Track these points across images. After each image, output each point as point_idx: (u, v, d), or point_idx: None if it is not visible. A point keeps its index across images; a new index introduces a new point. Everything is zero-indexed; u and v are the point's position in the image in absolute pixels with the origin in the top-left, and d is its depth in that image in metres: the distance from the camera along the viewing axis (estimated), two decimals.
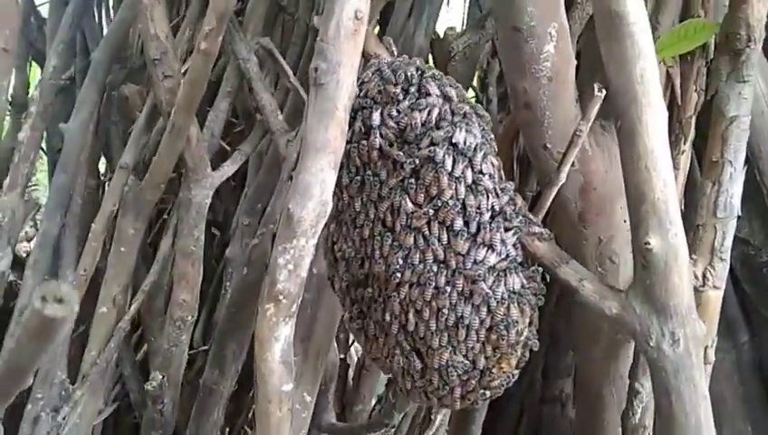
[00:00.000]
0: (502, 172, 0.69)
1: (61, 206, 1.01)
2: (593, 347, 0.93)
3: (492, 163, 0.67)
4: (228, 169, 0.95)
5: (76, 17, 1.08)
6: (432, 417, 1.02)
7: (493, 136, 0.69)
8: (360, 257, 0.74)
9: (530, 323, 0.69)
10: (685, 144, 0.94)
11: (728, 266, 0.82)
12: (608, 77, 0.63)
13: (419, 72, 0.68)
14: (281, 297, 0.67)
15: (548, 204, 0.77)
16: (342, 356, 1.31)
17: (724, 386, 1.21)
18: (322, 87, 0.62)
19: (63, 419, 0.93)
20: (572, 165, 0.78)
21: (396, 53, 0.75)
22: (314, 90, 0.63)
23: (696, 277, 0.80)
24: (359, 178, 0.71)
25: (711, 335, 0.82)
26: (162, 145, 0.89)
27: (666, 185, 0.57)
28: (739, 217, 1.15)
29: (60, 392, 0.94)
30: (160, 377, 0.90)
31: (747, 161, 1.09)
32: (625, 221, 0.90)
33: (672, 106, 0.97)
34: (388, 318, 0.72)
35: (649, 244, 0.57)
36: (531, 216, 0.69)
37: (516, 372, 0.70)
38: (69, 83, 1.10)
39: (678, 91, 0.96)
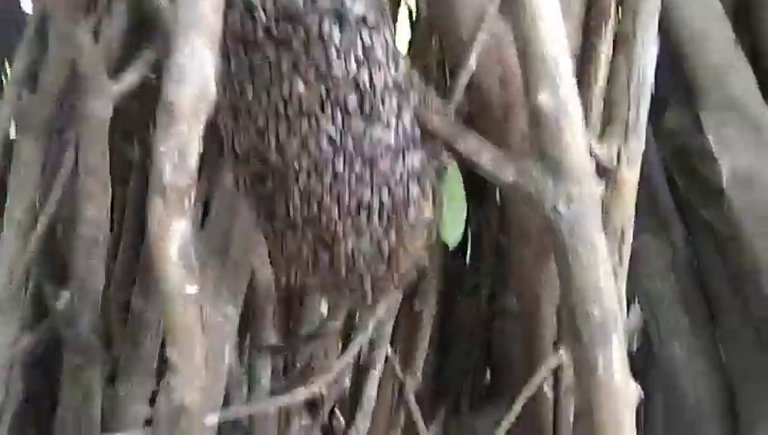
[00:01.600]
0: (396, 45, 0.65)
1: None
2: (525, 249, 0.93)
3: (385, 34, 0.64)
4: (130, 77, 0.89)
5: None
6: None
7: (387, 5, 0.65)
8: (258, 151, 0.70)
9: (433, 202, 0.67)
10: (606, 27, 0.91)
11: (643, 145, 0.81)
12: None
13: None
14: (169, 191, 0.63)
15: (461, 90, 0.74)
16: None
17: (660, 285, 1.23)
18: None
19: None
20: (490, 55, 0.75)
21: None
22: None
23: (610, 157, 0.79)
24: (247, 62, 0.66)
25: (627, 215, 0.82)
26: (50, 53, 0.82)
27: (554, 40, 0.54)
28: (668, 105, 1.14)
29: None
30: (68, 295, 0.86)
31: (676, 53, 1.07)
32: None
33: None
34: (291, 211, 0.70)
35: (537, 99, 0.55)
36: (427, 90, 0.66)
37: (423, 253, 0.69)
38: None
39: None
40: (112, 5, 0.90)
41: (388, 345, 1.36)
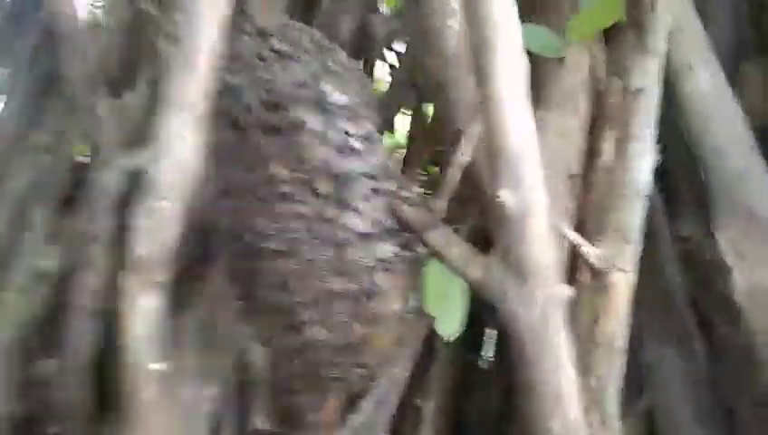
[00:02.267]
0: (376, 134, 0.66)
1: None
2: None
3: (363, 124, 0.65)
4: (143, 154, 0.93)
5: None
6: None
7: (372, 95, 0.67)
8: (236, 230, 0.71)
9: (403, 298, 0.65)
10: (608, 130, 0.91)
11: (638, 249, 0.78)
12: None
13: (293, 31, 0.67)
14: (141, 265, 0.64)
15: (453, 184, 0.74)
16: None
17: (677, 396, 1.15)
18: (180, 42, 0.61)
19: None
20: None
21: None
22: (174, 45, 0.61)
23: (601, 260, 0.76)
24: (234, 145, 0.68)
25: (620, 323, 0.78)
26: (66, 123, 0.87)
27: (522, 137, 0.54)
28: (682, 214, 1.11)
29: None
30: (50, 361, 0.86)
31: (692, 158, 1.05)
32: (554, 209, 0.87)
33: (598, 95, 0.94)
34: (265, 293, 0.69)
35: (501, 198, 0.53)
36: (404, 180, 0.66)
37: (388, 351, 0.67)
38: None
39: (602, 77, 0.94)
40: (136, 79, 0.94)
41: None
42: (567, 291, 0.56)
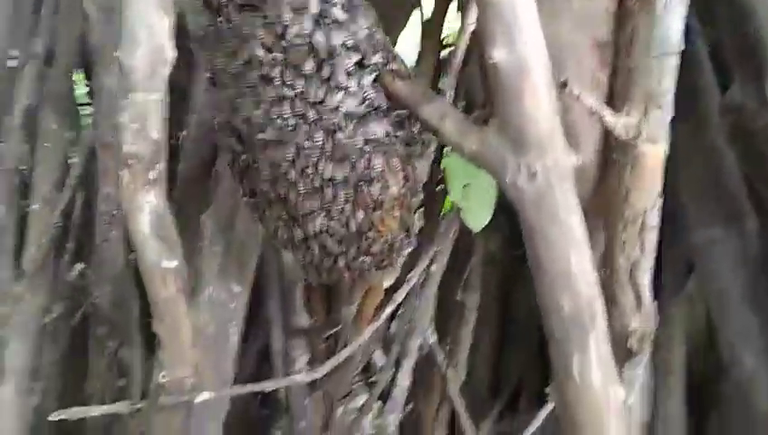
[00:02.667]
0: (358, 3, 0.59)
1: None
2: None
3: None
4: None
5: None
6: None
7: None
8: (231, 124, 0.67)
9: (404, 178, 0.61)
10: None
11: (669, 117, 0.70)
12: None
13: None
14: (131, 162, 0.62)
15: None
16: None
17: (727, 279, 1.09)
18: None
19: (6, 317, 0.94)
20: None
21: None
22: None
23: (628, 129, 0.69)
24: (212, 29, 0.64)
25: (651, 197, 0.71)
26: (60, 26, 0.84)
27: None
28: (730, 83, 1.00)
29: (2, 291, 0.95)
30: (80, 266, 0.88)
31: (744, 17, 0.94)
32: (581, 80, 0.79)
33: None
34: (264, 187, 0.66)
35: (492, 57, 0.47)
36: (392, 50, 0.60)
37: (400, 234, 0.63)
38: None
39: None
40: None
41: (432, 337, 1.30)
42: (573, 159, 0.50)
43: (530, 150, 0.48)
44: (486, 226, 0.95)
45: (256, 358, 1.40)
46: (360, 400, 1.39)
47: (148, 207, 0.65)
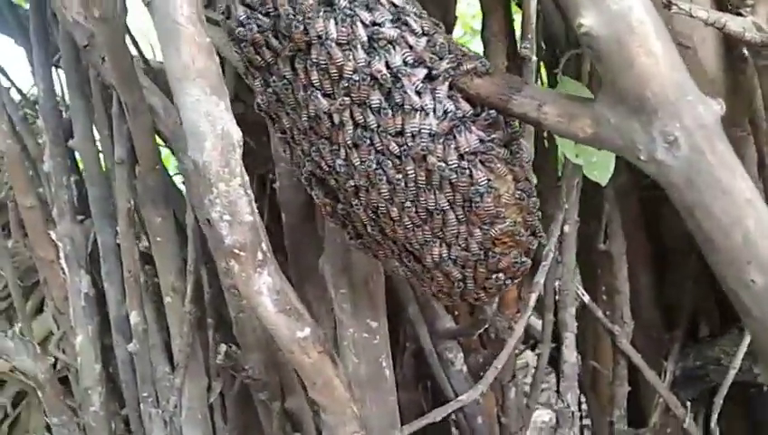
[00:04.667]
0: (410, 8, 0.52)
1: (104, 215, 1.04)
2: None
3: (389, 2, 0.52)
4: None
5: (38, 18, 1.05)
6: None
7: None
8: (317, 176, 0.63)
9: (515, 180, 0.54)
10: None
11: None
12: None
13: None
14: (236, 251, 0.60)
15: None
16: None
17: None
18: (153, 6, 0.52)
19: (175, 407, 0.97)
20: None
21: None
22: (150, 13, 0.52)
23: (759, 28, 0.57)
24: (270, 90, 0.59)
25: None
26: (131, 127, 0.85)
27: None
28: None
29: (164, 385, 0.99)
30: (224, 348, 0.89)
31: None
32: None
33: None
34: (369, 229, 0.62)
35: (583, 26, 0.39)
36: (461, 48, 0.52)
37: (527, 238, 0.56)
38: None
39: None
40: None
41: (584, 296, 1.22)
42: (717, 108, 0.40)
43: (659, 116, 0.39)
44: None
45: (413, 362, 1.39)
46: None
47: (265, 289, 0.63)
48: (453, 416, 1.20)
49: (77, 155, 1.10)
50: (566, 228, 1.10)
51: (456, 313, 1.21)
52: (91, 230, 1.08)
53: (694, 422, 1.12)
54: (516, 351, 1.48)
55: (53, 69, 1.08)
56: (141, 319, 0.98)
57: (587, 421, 1.46)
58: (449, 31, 1.19)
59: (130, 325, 1.02)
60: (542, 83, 1.11)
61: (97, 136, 1.05)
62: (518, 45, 0.74)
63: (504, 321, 1.17)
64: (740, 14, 0.59)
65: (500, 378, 1.22)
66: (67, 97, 1.06)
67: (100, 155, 1.06)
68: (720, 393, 1.02)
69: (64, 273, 1.07)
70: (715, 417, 1.01)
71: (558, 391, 1.19)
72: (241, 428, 1.06)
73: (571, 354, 1.14)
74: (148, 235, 0.96)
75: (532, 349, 1.55)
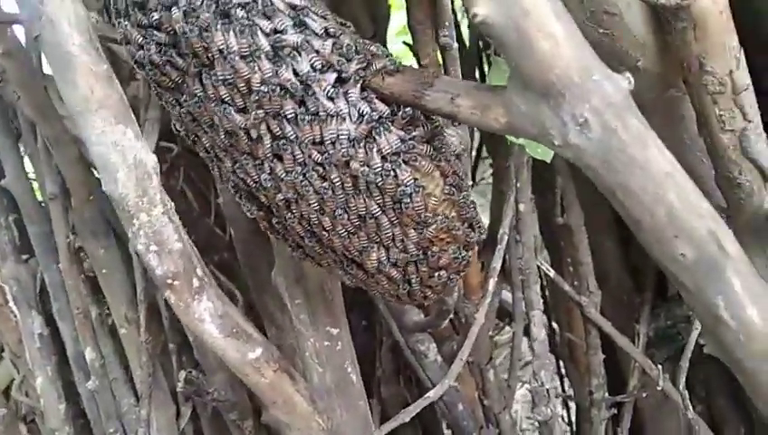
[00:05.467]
0: (311, 11, 0.50)
1: (48, 252, 1.00)
2: None
3: (288, 5, 0.49)
4: None
5: None
6: None
7: None
8: (249, 193, 0.61)
9: (442, 175, 0.52)
10: None
11: None
12: None
13: None
14: (170, 281, 0.58)
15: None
16: None
17: None
18: (41, 39, 0.49)
19: None
20: None
21: None
22: (41, 46, 0.50)
23: None
24: (183, 109, 0.57)
25: (731, 54, 0.59)
26: (57, 161, 0.82)
27: None
28: None
29: (131, 418, 0.97)
30: (183, 374, 0.87)
31: None
32: None
33: None
34: (306, 241, 0.60)
35: (478, 14, 0.37)
36: (370, 47, 0.50)
37: (464, 231, 0.55)
38: None
39: None
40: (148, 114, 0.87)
41: (549, 271, 1.22)
42: (626, 82, 0.39)
43: (567, 98, 0.38)
44: None
45: (392, 356, 1.38)
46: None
47: (207, 315, 0.61)
48: (435, 405, 1.21)
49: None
50: (521, 207, 1.10)
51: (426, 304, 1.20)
52: (36, 269, 1.05)
53: (670, 382, 1.13)
54: (496, 329, 1.48)
55: None
56: (97, 354, 0.95)
57: (571, 392, 1.47)
58: (385, 23, 1.17)
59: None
60: (489, 65, 1.10)
61: (30, 170, 1.01)
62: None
63: (471, 307, 1.16)
64: None
65: (477, 361, 1.23)
66: None
67: (37, 192, 1.02)
68: (685, 355, 1.03)
69: (15, 316, 1.04)
70: (682, 379, 1.02)
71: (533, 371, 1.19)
72: None
73: (539, 332, 1.14)
74: (93, 268, 0.93)
75: (510, 324, 1.56)
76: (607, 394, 1.27)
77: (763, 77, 0.70)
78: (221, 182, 0.66)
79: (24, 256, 1.06)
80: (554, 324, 1.46)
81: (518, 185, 1.08)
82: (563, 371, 1.46)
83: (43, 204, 1.01)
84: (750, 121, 0.60)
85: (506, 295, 1.35)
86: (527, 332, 1.19)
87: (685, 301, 0.44)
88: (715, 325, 0.43)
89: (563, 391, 1.52)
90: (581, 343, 1.31)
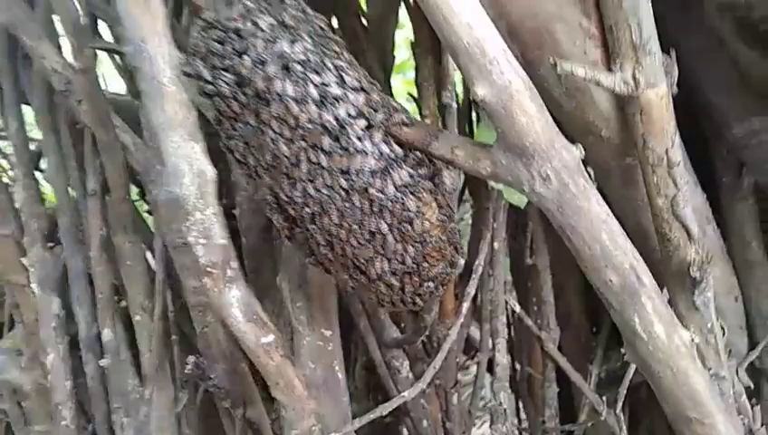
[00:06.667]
0: (350, 70, 0.66)
1: (75, 242, 1.13)
2: None
3: (333, 66, 0.65)
4: None
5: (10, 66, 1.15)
6: None
7: (328, 33, 0.66)
8: (280, 205, 0.75)
9: (438, 206, 0.67)
10: None
11: (659, 58, 0.73)
12: None
13: (237, 14, 0.67)
14: (209, 269, 0.71)
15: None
16: None
17: None
18: (140, 70, 0.63)
19: (145, 416, 1.06)
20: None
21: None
22: (135, 75, 0.64)
23: (626, 83, 0.73)
24: (238, 134, 0.71)
25: (668, 136, 0.75)
26: (105, 163, 0.95)
27: (471, 27, 0.52)
28: None
29: (134, 397, 1.08)
30: (192, 359, 0.99)
31: None
32: (575, 44, 0.84)
33: None
34: (322, 249, 0.74)
35: (477, 95, 0.53)
36: (392, 103, 0.66)
37: (450, 252, 0.70)
38: None
39: None
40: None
41: (515, 306, 1.36)
42: (577, 153, 0.55)
43: (536, 159, 0.54)
44: None
45: (365, 374, 1.50)
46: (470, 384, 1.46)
47: (235, 301, 0.74)
48: (402, 422, 1.33)
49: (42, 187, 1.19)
50: (495, 245, 1.25)
51: (402, 324, 1.34)
52: (60, 257, 1.17)
53: (615, 417, 1.27)
54: (461, 363, 1.61)
55: None
56: (113, 336, 1.07)
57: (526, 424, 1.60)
58: (391, 70, 1.34)
59: (101, 343, 1.10)
60: (476, 119, 1.27)
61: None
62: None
63: (443, 330, 1.31)
64: (611, 71, 0.74)
65: (443, 385, 1.36)
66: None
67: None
68: (624, 383, 1.18)
69: (35, 296, 1.15)
70: (619, 405, 1.16)
71: (493, 392, 1.32)
72: (204, 434, 1.15)
73: (502, 358, 1.28)
74: (118, 259, 1.06)
75: (472, 359, 1.69)
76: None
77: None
78: (254, 195, 0.80)
79: (50, 244, 1.18)
80: (516, 365, 1.60)
81: (494, 226, 1.23)
82: (520, 404, 1.58)
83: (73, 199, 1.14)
84: (679, 190, 0.76)
85: (474, 332, 1.49)
86: (490, 366, 1.33)
87: (612, 317, 0.59)
88: (632, 337, 0.58)
89: (519, 423, 1.65)
90: (539, 377, 1.45)
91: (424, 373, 1.28)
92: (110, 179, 0.98)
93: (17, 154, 1.13)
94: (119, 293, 1.09)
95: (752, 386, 1.10)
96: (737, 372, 1.08)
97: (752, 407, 1.00)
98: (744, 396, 0.98)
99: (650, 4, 0.72)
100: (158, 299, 1.04)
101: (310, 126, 0.64)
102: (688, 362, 0.57)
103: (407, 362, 1.33)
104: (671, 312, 0.58)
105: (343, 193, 0.67)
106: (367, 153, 0.64)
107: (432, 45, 0.97)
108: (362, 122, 0.64)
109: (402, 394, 1.01)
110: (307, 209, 0.70)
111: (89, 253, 1.10)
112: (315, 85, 0.64)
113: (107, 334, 1.07)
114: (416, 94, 1.03)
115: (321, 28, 0.67)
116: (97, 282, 1.07)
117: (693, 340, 0.59)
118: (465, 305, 1.11)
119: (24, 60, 1.10)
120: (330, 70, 0.64)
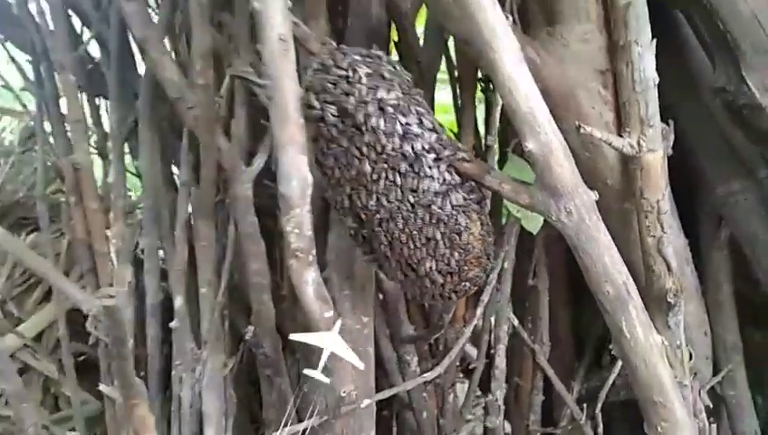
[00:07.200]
0: (427, 116, 0.87)
1: (153, 222, 1.33)
2: None
3: (416, 111, 0.86)
4: (259, 161, 1.20)
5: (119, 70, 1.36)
6: None
7: (412, 87, 0.88)
8: (352, 211, 0.96)
9: (481, 224, 0.88)
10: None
11: (659, 130, 0.95)
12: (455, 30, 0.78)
13: (346, 63, 0.88)
14: (297, 253, 0.92)
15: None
16: None
17: (754, 223, 1.30)
18: (273, 100, 0.84)
19: (199, 375, 1.26)
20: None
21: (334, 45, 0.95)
22: (269, 103, 0.85)
23: (632, 146, 0.95)
24: (331, 153, 0.93)
25: (660, 190, 0.96)
26: (202, 159, 1.16)
27: (528, 98, 0.74)
28: (714, 68, 1.23)
29: (192, 357, 1.28)
30: (252, 329, 1.19)
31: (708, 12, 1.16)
32: (594, 108, 1.06)
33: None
34: (383, 248, 0.95)
35: (527, 147, 0.75)
36: (458, 144, 0.87)
37: (485, 261, 0.91)
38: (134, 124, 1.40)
39: None
40: (236, 112, 1.21)
41: (513, 320, 1.55)
42: (593, 196, 0.77)
43: (563, 198, 0.75)
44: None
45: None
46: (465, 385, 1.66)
47: (311, 280, 0.95)
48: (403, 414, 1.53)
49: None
50: (505, 265, 1.46)
51: (414, 327, 1.54)
52: (137, 232, 1.37)
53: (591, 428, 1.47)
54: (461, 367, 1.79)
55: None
56: (183, 303, 1.27)
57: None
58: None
59: (166, 310, 1.30)
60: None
61: None
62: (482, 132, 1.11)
63: (453, 332, 1.51)
64: (621, 136, 0.96)
65: (442, 384, 1.56)
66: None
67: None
68: (600, 397, 1.38)
69: (113, 264, 1.35)
70: (598, 406, 1.37)
71: (489, 388, 1.52)
72: (243, 395, 1.34)
73: (501, 362, 1.48)
74: (195, 240, 1.26)
75: (465, 372, 1.88)
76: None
77: None
78: (331, 200, 1.00)
79: (129, 222, 1.39)
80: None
81: (506, 248, 1.44)
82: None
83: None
84: (665, 232, 0.98)
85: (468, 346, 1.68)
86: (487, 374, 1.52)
87: (605, 319, 0.80)
88: (618, 336, 0.79)
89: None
90: (527, 387, 1.66)
91: (429, 370, 1.49)
92: (203, 174, 1.18)
93: (114, 145, 1.34)
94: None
95: (710, 406, 1.30)
96: (700, 393, 1.29)
97: (710, 424, 1.21)
98: (704, 413, 1.18)
99: (656, 87, 0.94)
100: (224, 276, 1.24)
101: (393, 153, 0.86)
102: (658, 359, 0.78)
103: (416, 358, 1.53)
104: (649, 319, 0.79)
105: (410, 206, 0.88)
106: (433, 178, 0.86)
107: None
108: (433, 155, 0.86)
109: (424, 375, 1.21)
110: (378, 216, 0.91)
111: (162, 233, 1.30)
112: (401, 124, 0.85)
113: (179, 301, 1.27)
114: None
115: (408, 81, 0.89)
116: (176, 257, 1.27)
117: (663, 342, 0.81)
118: (479, 310, 1.31)
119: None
120: (413, 114, 0.86)
